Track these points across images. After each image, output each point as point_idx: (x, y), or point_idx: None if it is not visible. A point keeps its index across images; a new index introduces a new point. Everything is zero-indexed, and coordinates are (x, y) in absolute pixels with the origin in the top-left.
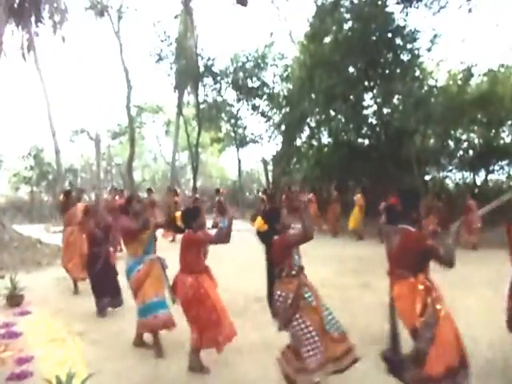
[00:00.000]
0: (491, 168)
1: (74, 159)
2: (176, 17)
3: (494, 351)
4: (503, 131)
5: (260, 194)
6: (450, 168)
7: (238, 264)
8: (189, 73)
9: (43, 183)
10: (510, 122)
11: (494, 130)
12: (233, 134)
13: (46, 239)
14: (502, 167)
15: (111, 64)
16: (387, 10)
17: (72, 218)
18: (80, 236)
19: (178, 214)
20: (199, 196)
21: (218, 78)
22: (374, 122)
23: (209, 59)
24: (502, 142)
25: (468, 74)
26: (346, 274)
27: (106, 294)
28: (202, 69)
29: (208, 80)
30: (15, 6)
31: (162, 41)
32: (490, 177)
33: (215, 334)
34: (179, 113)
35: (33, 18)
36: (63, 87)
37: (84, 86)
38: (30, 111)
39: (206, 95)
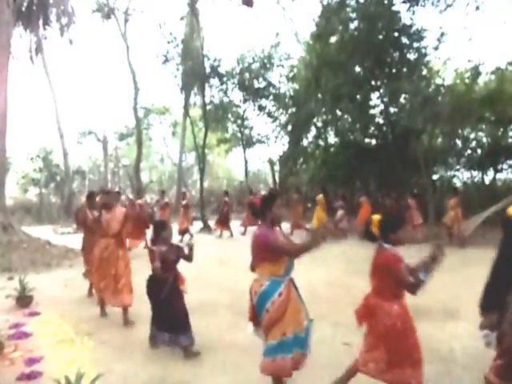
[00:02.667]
0: (499, 167)
1: (81, 161)
2: (182, 18)
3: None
4: (511, 130)
5: (225, 197)
6: (458, 167)
7: (242, 265)
8: (195, 74)
9: (51, 185)
10: None
11: (502, 129)
12: (239, 135)
13: (55, 240)
14: (510, 166)
15: (118, 66)
16: (393, 8)
17: (108, 227)
18: (116, 251)
19: (376, 217)
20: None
21: (225, 79)
22: (381, 121)
23: (215, 60)
24: (510, 140)
25: (475, 72)
26: (353, 274)
27: (168, 328)
28: (208, 70)
29: (214, 81)
30: (23, 9)
31: (169, 42)
32: (499, 176)
33: (407, 374)
34: (186, 114)
35: (40, 21)
36: (71, 89)
37: (91, 88)
38: (38, 113)
39: (213, 96)
